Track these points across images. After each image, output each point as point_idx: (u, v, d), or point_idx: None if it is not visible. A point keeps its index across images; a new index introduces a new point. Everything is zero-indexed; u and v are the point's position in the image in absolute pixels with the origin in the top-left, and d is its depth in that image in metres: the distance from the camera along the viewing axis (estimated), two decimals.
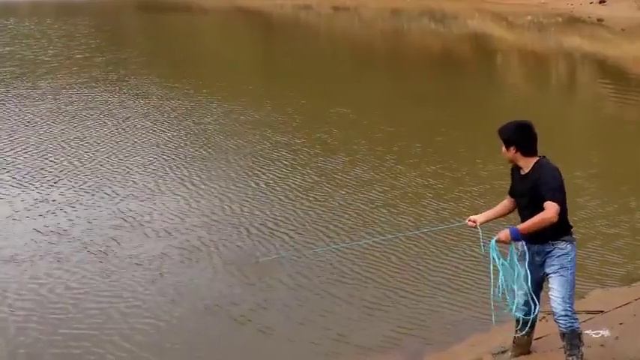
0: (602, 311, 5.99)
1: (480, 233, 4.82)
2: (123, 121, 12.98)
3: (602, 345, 5.17)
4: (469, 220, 4.94)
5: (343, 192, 9.31)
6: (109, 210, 8.56)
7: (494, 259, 4.67)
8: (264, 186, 9.54)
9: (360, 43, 25.67)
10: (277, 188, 9.42)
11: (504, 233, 4.58)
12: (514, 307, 4.83)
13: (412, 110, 14.52)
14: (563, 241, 4.65)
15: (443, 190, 9.42)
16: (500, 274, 4.73)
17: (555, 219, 4.47)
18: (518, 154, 4.68)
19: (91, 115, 13.40)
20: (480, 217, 4.92)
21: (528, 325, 4.99)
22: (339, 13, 31.18)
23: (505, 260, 4.72)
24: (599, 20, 26.13)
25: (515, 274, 4.72)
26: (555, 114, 14.34)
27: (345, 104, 14.23)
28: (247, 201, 8.96)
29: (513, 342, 5.15)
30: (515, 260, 4.74)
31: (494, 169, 9.87)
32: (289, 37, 26.30)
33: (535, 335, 5.14)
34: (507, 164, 4.91)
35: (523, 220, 4.68)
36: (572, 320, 4.66)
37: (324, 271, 6.98)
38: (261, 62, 21.62)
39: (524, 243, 4.71)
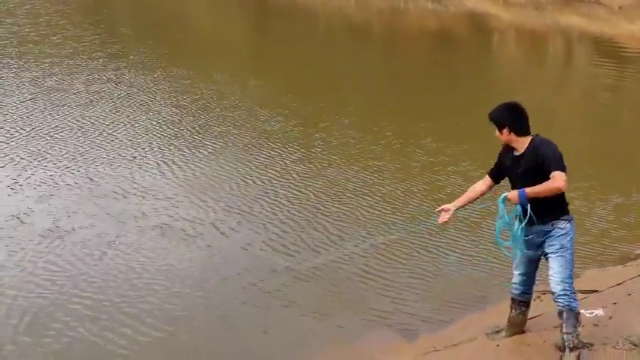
0: (596, 291, 6.02)
1: (501, 198, 4.71)
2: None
3: (595, 324, 5.20)
4: (442, 210, 4.90)
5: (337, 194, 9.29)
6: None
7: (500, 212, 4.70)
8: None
9: (356, 23, 25.52)
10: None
11: (513, 194, 4.63)
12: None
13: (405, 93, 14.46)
14: (563, 220, 4.65)
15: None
16: (499, 225, 4.77)
17: (564, 188, 4.50)
18: (513, 135, 4.67)
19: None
20: (450, 206, 4.91)
21: (523, 304, 5.04)
22: None
23: (506, 217, 4.71)
24: None
25: (515, 230, 4.70)
26: (551, 93, 14.30)
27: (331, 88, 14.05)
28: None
29: (508, 321, 5.18)
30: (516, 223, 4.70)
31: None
32: (283, 16, 26.10)
33: (530, 315, 5.17)
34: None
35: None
36: (571, 299, 4.66)
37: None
38: (250, 42, 21.42)
39: (522, 218, 4.64)
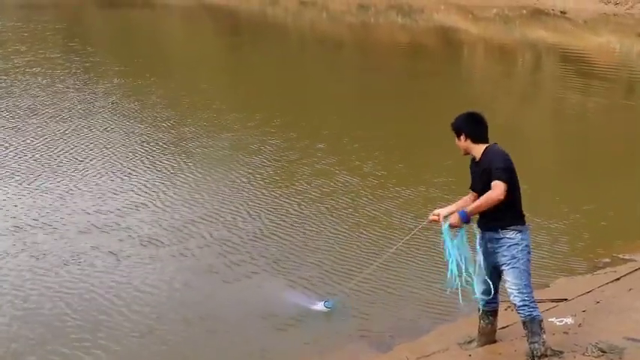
0: (565, 299, 6.10)
1: (445, 227, 4.82)
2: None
3: (565, 332, 5.27)
4: (432, 215, 4.99)
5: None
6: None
7: (446, 241, 4.80)
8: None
9: (328, 38, 25.69)
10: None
11: (454, 217, 4.71)
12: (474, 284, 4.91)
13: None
14: (513, 230, 4.71)
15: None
16: (456, 252, 4.83)
17: (501, 197, 4.54)
18: (469, 142, 4.79)
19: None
20: (442, 211, 4.97)
21: (490, 313, 5.09)
22: (306, 7, 31.23)
23: (455, 240, 4.81)
24: (563, 13, 26.62)
25: (467, 252, 4.85)
26: (518, 106, 14.52)
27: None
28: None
29: (478, 331, 5.22)
30: (465, 241, 4.86)
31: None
32: (255, 33, 26.17)
33: (500, 324, 5.22)
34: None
35: None
36: (531, 309, 4.74)
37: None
38: (223, 59, 21.35)
39: (478, 229, 4.85)
